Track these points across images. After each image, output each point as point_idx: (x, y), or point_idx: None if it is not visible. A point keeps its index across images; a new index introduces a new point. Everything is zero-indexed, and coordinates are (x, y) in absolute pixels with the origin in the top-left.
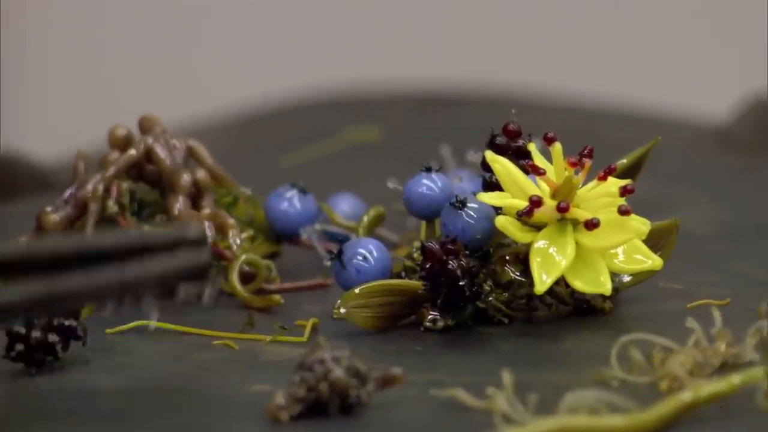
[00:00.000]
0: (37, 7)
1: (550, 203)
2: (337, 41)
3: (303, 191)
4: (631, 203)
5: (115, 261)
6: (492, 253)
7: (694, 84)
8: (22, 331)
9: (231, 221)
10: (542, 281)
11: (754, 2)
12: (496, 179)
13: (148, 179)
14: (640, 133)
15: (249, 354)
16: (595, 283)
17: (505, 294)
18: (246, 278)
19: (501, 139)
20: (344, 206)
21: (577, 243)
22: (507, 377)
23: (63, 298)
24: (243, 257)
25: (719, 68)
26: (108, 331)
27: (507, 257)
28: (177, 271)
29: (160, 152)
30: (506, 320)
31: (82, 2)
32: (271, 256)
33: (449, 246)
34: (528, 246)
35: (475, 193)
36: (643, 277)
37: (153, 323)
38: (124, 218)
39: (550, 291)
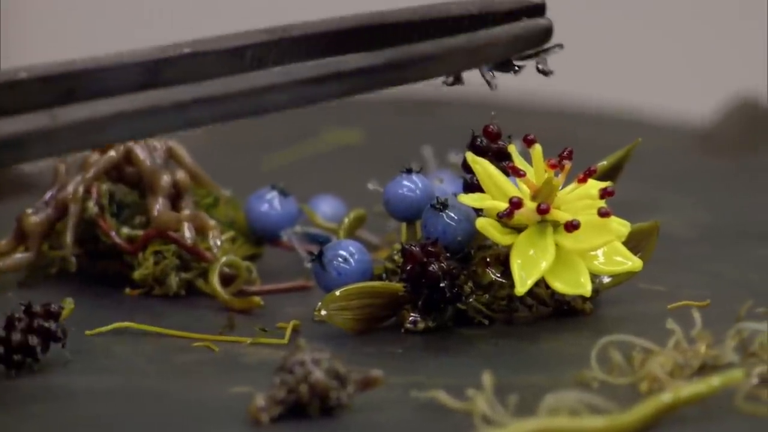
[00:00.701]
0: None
1: (530, 205)
2: None
3: (284, 193)
4: (613, 205)
5: (461, 29)
6: (473, 254)
7: (676, 86)
8: (2, 333)
9: (211, 222)
10: (523, 283)
11: (738, 4)
12: (477, 180)
13: (127, 181)
14: (622, 135)
15: (229, 356)
16: (575, 284)
17: (486, 296)
18: (226, 280)
19: (481, 141)
20: (325, 208)
21: (557, 245)
22: (487, 379)
23: (416, 61)
24: (223, 259)
25: (702, 70)
26: (88, 333)
27: (488, 259)
28: (523, 35)
29: (140, 154)
30: (487, 322)
31: (58, 9)
32: (252, 258)
33: (430, 248)
34: (508, 248)
35: (456, 195)
36: (623, 279)
37: (132, 325)
38: (104, 219)
39: (531, 292)
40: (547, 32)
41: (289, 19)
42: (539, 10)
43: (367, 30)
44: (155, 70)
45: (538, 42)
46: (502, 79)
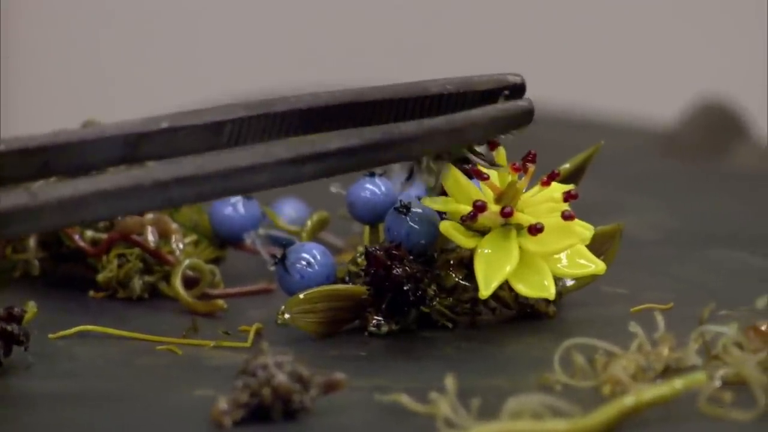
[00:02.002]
0: None
1: (493, 208)
2: (281, 46)
3: (247, 196)
4: (576, 208)
5: (440, 108)
6: (436, 257)
7: (641, 88)
8: None
9: (174, 226)
10: (487, 286)
11: (701, 7)
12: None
13: None
14: (586, 137)
15: (192, 359)
16: (538, 287)
17: (450, 299)
18: (189, 283)
19: None
20: (289, 210)
21: (520, 248)
22: (450, 382)
23: (396, 142)
24: (186, 262)
25: (667, 73)
26: (51, 336)
27: (451, 262)
28: (503, 116)
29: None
30: (450, 325)
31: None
32: (215, 261)
33: (393, 251)
34: (472, 251)
35: (419, 198)
36: (586, 282)
37: (95, 328)
38: None
39: (494, 295)
40: (528, 114)
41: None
42: (519, 91)
43: (346, 107)
44: (133, 145)
45: (518, 123)
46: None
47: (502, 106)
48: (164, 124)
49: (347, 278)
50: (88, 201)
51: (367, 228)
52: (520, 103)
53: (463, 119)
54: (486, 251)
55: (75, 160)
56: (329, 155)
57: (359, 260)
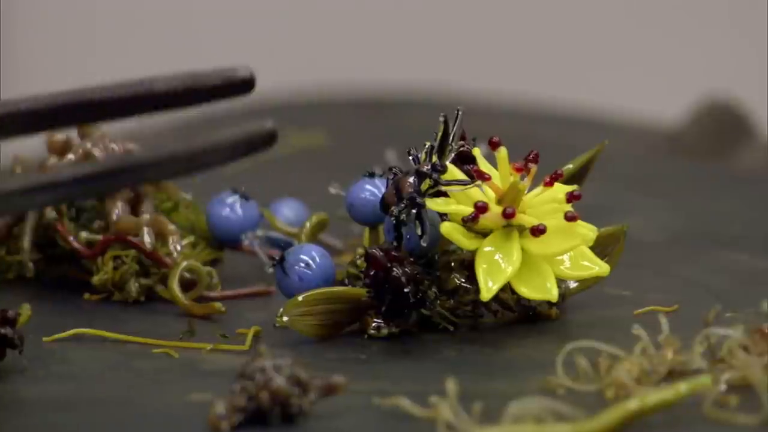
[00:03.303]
0: None
1: (495, 209)
2: (281, 46)
3: (245, 197)
4: (580, 208)
5: (167, 105)
6: (437, 259)
7: (645, 87)
8: None
9: (171, 227)
10: (488, 288)
11: (706, 6)
12: None
13: None
14: (590, 137)
15: (189, 362)
16: (541, 289)
17: (451, 301)
18: (187, 285)
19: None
20: (287, 212)
21: (523, 249)
22: (451, 385)
23: (133, 168)
24: (183, 264)
25: (671, 72)
26: (45, 339)
27: (452, 264)
28: (245, 140)
29: (99, 156)
30: (451, 327)
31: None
32: (213, 263)
33: (393, 253)
34: (473, 252)
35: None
36: (590, 284)
37: (91, 331)
38: (62, 224)
39: (496, 298)
40: (271, 136)
41: None
42: (247, 86)
43: (69, 108)
44: None
45: (261, 146)
46: (467, 78)
47: (245, 130)
48: None
49: (346, 280)
50: None
51: (366, 229)
52: (264, 126)
53: (203, 145)
54: (487, 253)
55: None
56: (62, 184)
57: (359, 262)
